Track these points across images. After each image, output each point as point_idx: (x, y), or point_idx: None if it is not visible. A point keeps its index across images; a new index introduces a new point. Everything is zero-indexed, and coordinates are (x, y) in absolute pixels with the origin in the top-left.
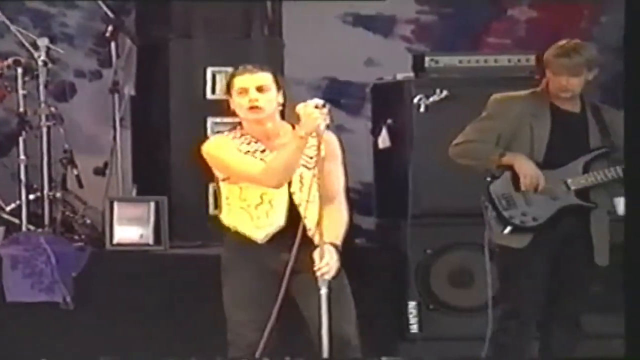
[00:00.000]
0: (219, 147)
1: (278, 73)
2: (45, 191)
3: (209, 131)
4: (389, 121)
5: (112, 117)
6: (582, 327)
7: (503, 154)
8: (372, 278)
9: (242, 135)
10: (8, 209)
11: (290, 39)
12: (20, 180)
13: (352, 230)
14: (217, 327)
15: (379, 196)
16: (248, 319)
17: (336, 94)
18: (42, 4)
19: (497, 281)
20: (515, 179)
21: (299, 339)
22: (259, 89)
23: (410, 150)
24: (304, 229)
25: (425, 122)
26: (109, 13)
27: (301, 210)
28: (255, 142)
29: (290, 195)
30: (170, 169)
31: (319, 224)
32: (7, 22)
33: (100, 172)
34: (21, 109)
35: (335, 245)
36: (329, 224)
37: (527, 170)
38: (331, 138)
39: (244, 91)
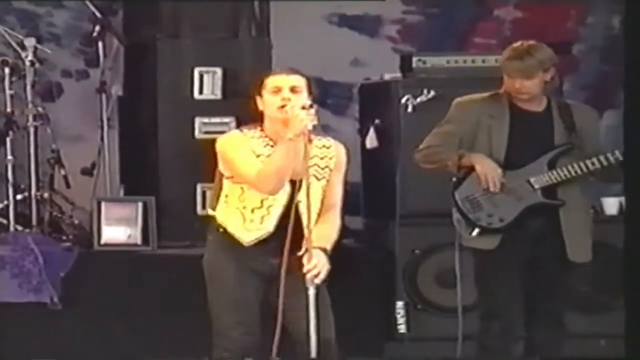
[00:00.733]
0: (230, 144)
1: (312, 80)
2: (33, 191)
3: (196, 131)
4: (377, 121)
5: (100, 117)
6: (566, 327)
7: (462, 155)
8: (359, 278)
9: (261, 136)
10: None
11: (276, 39)
12: (7, 181)
13: (340, 230)
14: (205, 328)
15: (366, 196)
16: (233, 321)
17: (322, 94)
18: (29, 4)
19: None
20: (476, 181)
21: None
22: (292, 90)
23: (397, 150)
24: (296, 234)
25: (412, 123)
26: (97, 13)
27: (304, 218)
28: (272, 147)
29: (289, 203)
30: (158, 169)
31: (307, 227)
32: None
33: (87, 172)
34: (8, 109)
35: (324, 250)
36: (322, 230)
37: (486, 169)
38: (340, 149)
39: (277, 90)
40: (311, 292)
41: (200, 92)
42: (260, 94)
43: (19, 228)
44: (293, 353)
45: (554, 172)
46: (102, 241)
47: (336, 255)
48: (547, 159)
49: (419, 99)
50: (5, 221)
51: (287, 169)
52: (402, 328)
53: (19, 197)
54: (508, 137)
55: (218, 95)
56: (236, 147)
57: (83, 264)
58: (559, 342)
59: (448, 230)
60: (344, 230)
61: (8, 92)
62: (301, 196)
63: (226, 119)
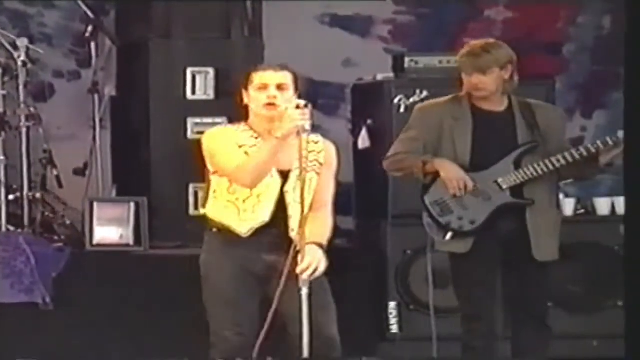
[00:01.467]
0: (213, 137)
1: (303, 78)
2: (25, 192)
3: (189, 132)
4: (369, 121)
5: (92, 117)
6: (551, 327)
7: (426, 162)
8: (352, 278)
9: (245, 130)
10: None
11: (268, 39)
12: None
13: (332, 230)
14: (196, 328)
15: (358, 197)
16: (227, 322)
17: (313, 95)
18: (21, 4)
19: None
20: (444, 185)
21: (278, 339)
22: (279, 87)
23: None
24: (289, 231)
25: (405, 123)
26: (89, 13)
27: (290, 209)
28: (256, 138)
29: (282, 193)
30: (150, 169)
31: (301, 226)
32: None
33: (80, 172)
34: (0, 110)
35: (319, 244)
36: (315, 228)
37: (451, 174)
38: (330, 147)
39: (264, 87)
40: (304, 292)
41: (193, 92)
42: (246, 88)
43: (11, 228)
44: (293, 353)
45: (521, 171)
46: (94, 241)
47: (328, 255)
48: (513, 159)
49: (411, 99)
50: None
51: (267, 166)
52: (394, 328)
53: (11, 197)
54: (472, 139)
55: (210, 95)
56: (219, 140)
57: (75, 264)
58: (543, 343)
59: None
60: (336, 231)
61: (0, 92)
62: (288, 187)
63: (218, 119)
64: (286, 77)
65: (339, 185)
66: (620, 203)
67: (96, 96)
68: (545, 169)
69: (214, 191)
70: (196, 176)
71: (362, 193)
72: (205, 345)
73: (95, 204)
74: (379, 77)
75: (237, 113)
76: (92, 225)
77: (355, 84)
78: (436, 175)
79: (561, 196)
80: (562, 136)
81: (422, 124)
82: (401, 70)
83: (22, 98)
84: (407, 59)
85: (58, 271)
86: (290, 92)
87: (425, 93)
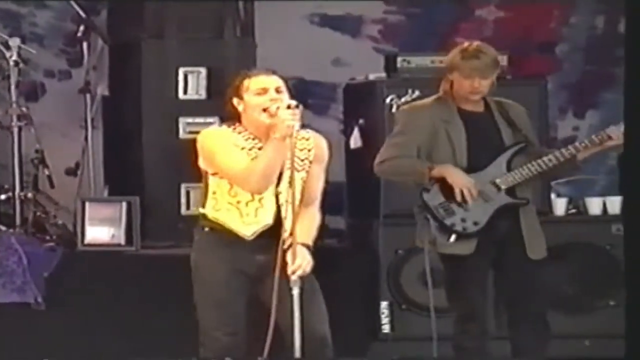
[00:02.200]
0: (212, 138)
1: (294, 80)
2: (17, 191)
3: (180, 131)
4: (361, 121)
5: (84, 117)
6: (550, 326)
7: (432, 167)
8: (343, 278)
9: (241, 131)
10: None
11: (260, 38)
12: None
13: (324, 230)
14: (188, 328)
15: (350, 196)
16: (217, 321)
17: (303, 94)
18: (12, 3)
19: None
20: (447, 188)
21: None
22: (277, 90)
23: None
24: (282, 231)
25: None
26: (81, 13)
27: (282, 210)
28: (253, 139)
29: (277, 195)
30: (142, 169)
31: (293, 224)
32: None
33: (71, 172)
34: None
35: (306, 245)
36: (303, 227)
37: (461, 181)
38: (321, 141)
39: (264, 91)
40: (295, 292)
41: (185, 92)
42: (239, 96)
43: (3, 228)
44: (284, 352)
45: (517, 171)
46: (86, 241)
47: (320, 255)
48: (506, 159)
49: (403, 99)
50: None
51: (275, 168)
52: (386, 328)
53: (2, 197)
54: (466, 141)
55: (202, 95)
56: (219, 141)
57: (67, 264)
58: (543, 343)
59: None
60: (328, 230)
61: None
62: (281, 187)
63: (210, 119)
64: (280, 80)
65: (327, 183)
66: (612, 203)
67: (88, 96)
68: (539, 169)
69: (214, 192)
70: (188, 176)
71: (354, 193)
72: (196, 345)
73: (87, 204)
74: (371, 76)
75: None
76: (83, 225)
77: (348, 83)
78: (439, 180)
79: (553, 196)
80: (534, 133)
81: (413, 126)
82: (393, 70)
83: (13, 98)
84: (399, 59)
85: (50, 271)
86: (286, 93)
87: (417, 93)
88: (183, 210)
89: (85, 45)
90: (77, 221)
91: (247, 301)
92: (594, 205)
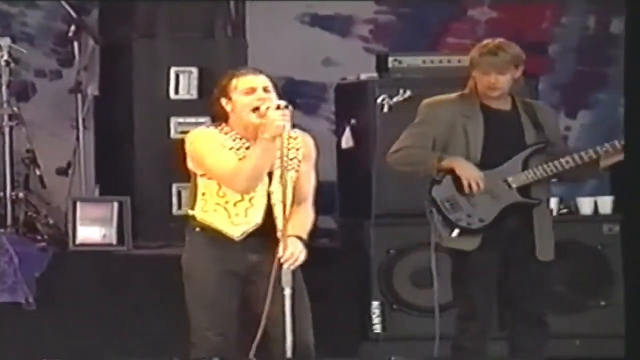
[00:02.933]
0: (200, 139)
1: (284, 79)
2: (8, 191)
3: (172, 131)
4: (353, 121)
5: (75, 117)
6: (549, 327)
7: (441, 158)
8: (335, 278)
9: (228, 132)
10: None
11: (250, 38)
12: None
13: (315, 229)
14: (180, 328)
15: (342, 196)
16: (207, 322)
17: (292, 94)
18: (2, 3)
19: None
20: (457, 181)
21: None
22: (265, 89)
23: (373, 150)
24: (275, 231)
25: (388, 122)
26: (72, 13)
27: (275, 210)
28: (241, 139)
29: (268, 194)
30: (133, 169)
31: (285, 222)
32: None
33: (63, 172)
34: None
35: (299, 237)
36: (296, 221)
37: (469, 173)
38: (307, 140)
39: (251, 91)
40: (287, 292)
41: (176, 91)
42: (227, 96)
43: None
44: (268, 353)
45: (531, 171)
46: (77, 241)
47: (311, 254)
48: (522, 158)
49: (395, 99)
50: None
51: (262, 168)
52: (377, 328)
53: None
54: (483, 137)
55: (194, 95)
56: (206, 142)
57: (58, 263)
58: (541, 343)
59: (423, 230)
60: (319, 230)
61: None
62: (273, 187)
63: (202, 119)
64: (267, 80)
65: (318, 183)
66: (603, 203)
67: (79, 96)
68: (554, 170)
69: (203, 193)
70: (179, 176)
71: (345, 192)
72: (188, 345)
73: (78, 204)
74: (363, 76)
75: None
76: (75, 225)
77: (339, 83)
78: (448, 172)
79: None
80: (559, 135)
81: (433, 119)
82: (385, 70)
83: (4, 98)
84: (390, 59)
85: (41, 271)
86: (273, 93)
87: (408, 92)
88: (174, 210)
89: (76, 45)
90: (69, 221)
91: (238, 301)
92: (585, 205)
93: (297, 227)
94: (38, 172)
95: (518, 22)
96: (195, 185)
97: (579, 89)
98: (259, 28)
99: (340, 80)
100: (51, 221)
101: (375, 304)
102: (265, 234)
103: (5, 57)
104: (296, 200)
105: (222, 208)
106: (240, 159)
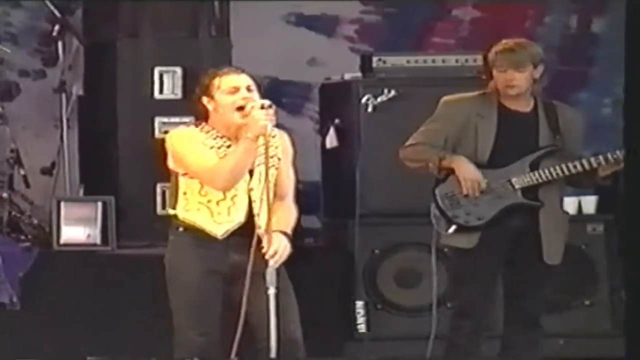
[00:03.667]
0: (180, 139)
1: (269, 79)
2: None
3: (156, 131)
4: (337, 121)
5: (59, 116)
6: (543, 328)
7: (443, 157)
8: (319, 278)
9: (209, 130)
10: None
11: (235, 38)
12: None
13: (300, 229)
14: (164, 328)
15: (326, 196)
16: (191, 322)
17: (277, 93)
18: None
19: (446, 281)
20: (456, 180)
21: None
22: (248, 89)
23: (358, 150)
24: (255, 229)
25: (373, 122)
26: (56, 12)
27: (255, 207)
28: (221, 137)
29: (249, 192)
30: (117, 168)
31: (269, 219)
32: None
33: (47, 171)
34: None
35: (284, 233)
36: (279, 217)
37: (466, 173)
38: (283, 137)
39: (235, 90)
40: (271, 292)
41: (160, 91)
42: (209, 95)
43: None
44: (255, 353)
45: (536, 173)
46: (62, 241)
47: (295, 254)
48: (530, 160)
49: (379, 99)
50: None
51: (243, 167)
52: (362, 328)
53: None
54: (495, 137)
55: (178, 94)
56: (187, 141)
57: (42, 263)
58: (536, 344)
59: (408, 229)
60: (304, 230)
61: None
62: (252, 184)
63: (186, 119)
64: (250, 79)
65: (299, 182)
66: (587, 202)
67: (64, 95)
68: (560, 174)
69: (184, 193)
70: (164, 175)
71: (330, 192)
72: (172, 345)
73: (62, 204)
74: (347, 76)
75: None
76: (59, 225)
77: (323, 83)
78: (451, 171)
79: None
80: (579, 140)
81: (448, 116)
82: (369, 70)
83: None
84: (374, 59)
85: (25, 271)
86: (257, 93)
87: (393, 92)
88: (159, 210)
89: (60, 44)
90: (53, 221)
91: (221, 301)
92: (570, 205)
93: (281, 223)
94: (22, 172)
95: (501, 22)
96: (177, 185)
97: (562, 88)
98: (243, 28)
99: (325, 80)
100: (35, 221)
101: (359, 303)
102: (248, 233)
103: None
104: (278, 197)
105: (205, 207)
106: (220, 158)
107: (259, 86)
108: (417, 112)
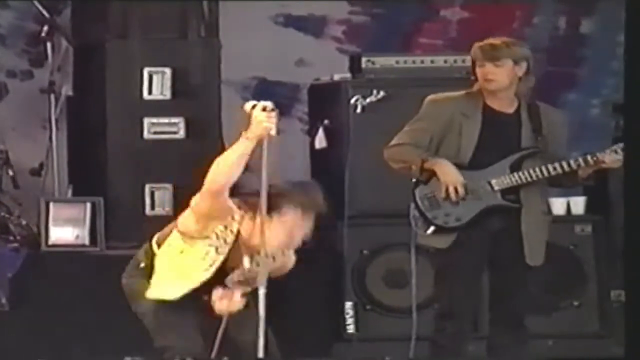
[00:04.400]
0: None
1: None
2: None
3: (145, 132)
4: (326, 122)
5: (48, 117)
6: (528, 329)
7: (425, 160)
8: (308, 278)
9: None
10: None
11: (224, 39)
12: None
13: None
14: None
15: None
16: (170, 332)
17: (265, 94)
18: None
19: (431, 282)
20: (438, 182)
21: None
22: None
23: (347, 150)
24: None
25: (362, 123)
26: (44, 13)
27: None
28: None
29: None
30: (106, 169)
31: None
32: None
33: (36, 172)
34: None
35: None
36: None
37: (448, 177)
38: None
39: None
40: (261, 292)
41: (149, 92)
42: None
43: None
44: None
45: (516, 174)
46: (50, 242)
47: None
48: (510, 162)
49: (368, 100)
50: None
51: (238, 167)
52: (350, 328)
53: None
54: (478, 137)
55: (167, 95)
56: None
57: (31, 264)
58: (520, 344)
59: (397, 230)
60: None
61: None
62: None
63: (175, 119)
64: None
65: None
66: (575, 203)
67: (52, 96)
68: (540, 175)
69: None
70: (152, 176)
71: None
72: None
73: (51, 204)
74: (336, 77)
75: (194, 113)
76: (47, 226)
77: (312, 84)
78: (433, 174)
79: None
80: (563, 142)
81: (433, 116)
82: (358, 71)
83: None
84: (363, 59)
85: (14, 271)
86: None
87: (382, 93)
88: (147, 211)
89: (49, 45)
90: (41, 222)
91: (199, 307)
92: (558, 206)
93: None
94: (11, 173)
95: (489, 23)
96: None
97: (550, 89)
98: (232, 28)
99: (314, 80)
100: (24, 222)
101: (348, 304)
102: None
103: None
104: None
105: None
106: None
107: None
108: (406, 112)
